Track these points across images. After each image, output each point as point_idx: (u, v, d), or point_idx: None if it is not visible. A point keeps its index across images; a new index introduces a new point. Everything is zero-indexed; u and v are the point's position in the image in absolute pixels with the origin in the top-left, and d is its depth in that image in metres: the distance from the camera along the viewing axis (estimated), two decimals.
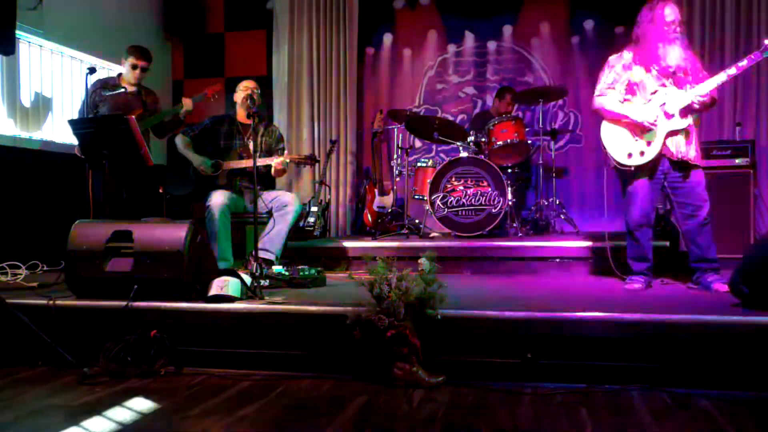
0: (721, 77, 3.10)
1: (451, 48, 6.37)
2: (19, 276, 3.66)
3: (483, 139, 5.02)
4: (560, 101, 5.93)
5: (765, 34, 4.86)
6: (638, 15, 3.32)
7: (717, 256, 3.30)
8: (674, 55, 3.19)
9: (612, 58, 3.38)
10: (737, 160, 4.35)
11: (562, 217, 5.22)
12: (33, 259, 4.00)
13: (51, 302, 2.84)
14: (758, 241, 3.13)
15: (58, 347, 2.69)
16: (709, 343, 2.36)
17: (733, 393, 2.24)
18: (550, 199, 5.23)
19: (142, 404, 2.21)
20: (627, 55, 3.33)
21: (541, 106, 5.26)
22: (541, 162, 5.34)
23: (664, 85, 3.23)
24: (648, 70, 3.26)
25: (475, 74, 6.32)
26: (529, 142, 5.10)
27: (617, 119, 3.32)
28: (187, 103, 4.40)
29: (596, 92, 3.39)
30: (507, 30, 6.22)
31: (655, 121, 3.19)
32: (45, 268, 4.04)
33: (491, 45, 6.27)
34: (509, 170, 5.08)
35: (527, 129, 5.12)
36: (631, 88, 3.30)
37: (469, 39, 6.32)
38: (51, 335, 2.73)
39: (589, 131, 6.06)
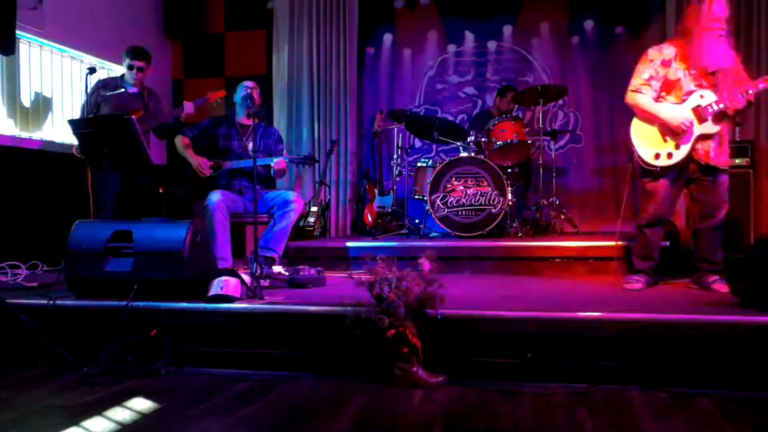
0: (761, 85, 3.02)
1: (451, 48, 6.37)
2: (19, 276, 3.66)
3: (483, 139, 5.02)
4: (560, 101, 5.93)
5: (765, 36, 4.85)
6: (686, 8, 3.23)
7: (721, 259, 3.28)
8: (717, 53, 3.08)
9: (651, 52, 3.25)
10: (737, 160, 4.35)
11: (562, 217, 5.22)
12: (33, 259, 4.00)
13: (51, 302, 2.84)
14: (758, 241, 3.12)
15: (58, 347, 2.69)
16: (709, 343, 2.36)
17: (733, 393, 2.24)
18: (550, 199, 5.23)
19: (142, 404, 2.21)
20: (668, 50, 3.22)
21: (541, 106, 5.26)
22: (541, 162, 5.34)
23: (701, 85, 3.14)
24: (687, 68, 3.16)
25: (475, 74, 6.32)
26: (529, 142, 5.10)
27: (649, 118, 3.22)
28: (188, 107, 4.39)
29: (631, 86, 3.27)
30: (507, 30, 6.22)
31: (690, 125, 3.11)
32: (45, 268, 4.04)
33: (491, 45, 6.27)
34: (509, 170, 5.08)
35: (527, 129, 5.12)
36: (667, 86, 3.21)
37: (469, 39, 6.32)
38: (51, 335, 2.73)
39: (589, 131, 6.07)
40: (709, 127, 3.12)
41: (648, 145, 3.23)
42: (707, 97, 3.11)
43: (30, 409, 2.17)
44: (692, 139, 3.14)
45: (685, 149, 3.15)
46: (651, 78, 3.21)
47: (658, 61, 3.22)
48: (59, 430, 1.96)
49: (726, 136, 3.22)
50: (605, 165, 6.01)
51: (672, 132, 3.16)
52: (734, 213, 4.24)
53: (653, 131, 3.23)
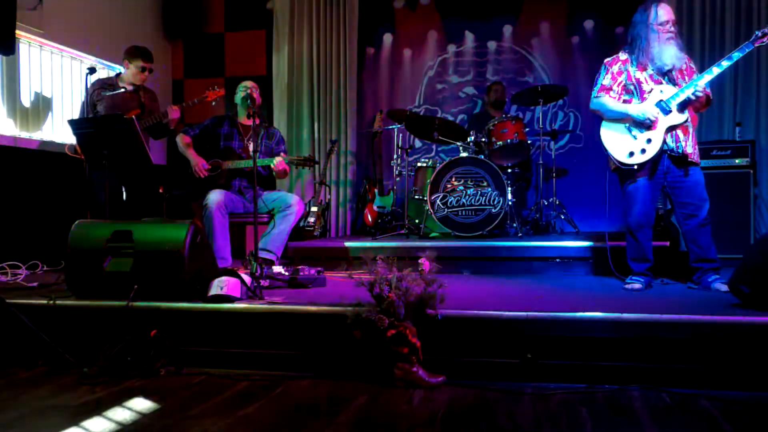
0: (715, 70, 3.14)
1: (451, 48, 6.37)
2: (19, 276, 3.66)
3: (483, 139, 5.02)
4: (560, 101, 5.93)
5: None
6: (633, 16, 3.35)
7: (717, 256, 3.30)
8: (669, 54, 3.22)
9: (608, 60, 3.41)
10: (737, 160, 4.35)
11: (562, 217, 5.22)
12: (33, 259, 4.00)
13: (51, 302, 2.84)
14: (758, 241, 3.12)
15: (58, 347, 2.69)
16: (709, 343, 2.36)
17: (733, 393, 2.24)
18: (550, 199, 5.23)
19: (142, 404, 2.21)
20: (623, 56, 3.36)
21: (541, 106, 5.26)
22: (541, 162, 5.34)
23: (659, 82, 3.25)
24: (643, 70, 3.28)
25: (475, 74, 6.33)
26: (529, 142, 5.10)
27: (616, 119, 3.33)
28: (173, 112, 4.36)
29: (593, 94, 3.42)
30: (507, 30, 6.23)
31: (656, 115, 3.20)
32: (45, 268, 4.04)
33: (491, 45, 6.28)
34: (509, 170, 5.08)
35: (527, 129, 5.12)
36: (628, 89, 3.33)
37: (469, 39, 6.32)
38: (51, 335, 2.73)
39: (589, 131, 6.07)
40: (676, 117, 3.21)
41: (620, 145, 3.32)
42: (667, 91, 3.22)
43: (30, 409, 2.17)
44: (661, 131, 3.22)
45: (656, 143, 3.22)
46: (612, 83, 3.35)
47: (615, 68, 3.36)
48: (59, 430, 1.97)
49: (692, 128, 3.29)
50: (605, 165, 5.99)
51: (640, 127, 3.25)
52: (734, 213, 4.26)
53: (622, 131, 3.33)
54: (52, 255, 4.06)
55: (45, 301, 2.85)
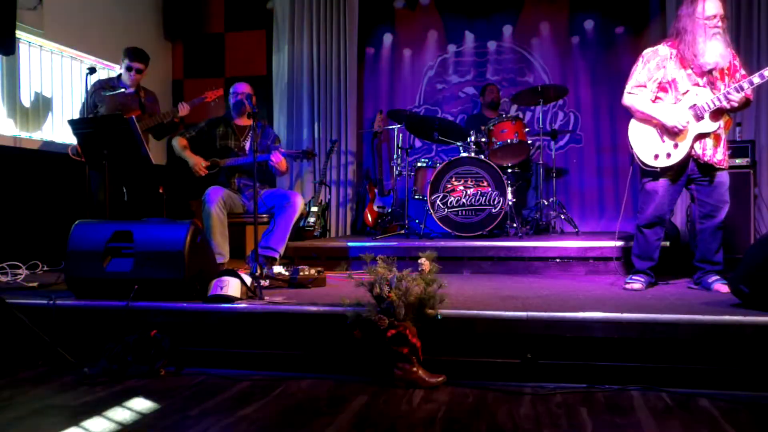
0: (756, 79, 3.00)
1: (451, 48, 6.37)
2: (19, 276, 3.66)
3: (483, 139, 5.02)
4: (560, 101, 5.93)
5: (765, 35, 4.86)
6: (679, 9, 3.22)
7: (722, 260, 3.28)
8: (714, 51, 3.07)
9: (647, 53, 3.27)
10: (737, 160, 4.35)
11: (562, 217, 5.22)
12: (33, 259, 4.00)
13: (51, 302, 2.84)
14: (758, 241, 3.12)
15: (58, 347, 2.69)
16: (709, 343, 2.36)
17: (733, 393, 2.24)
18: (550, 199, 5.23)
19: (142, 404, 2.21)
20: (663, 50, 3.23)
21: (541, 106, 5.26)
22: (541, 162, 5.34)
23: (697, 84, 3.14)
24: (683, 67, 3.16)
25: (475, 74, 6.32)
26: (529, 142, 5.10)
27: (647, 119, 3.24)
28: (183, 109, 4.40)
29: (627, 89, 3.29)
30: (507, 30, 6.23)
31: (686, 124, 3.12)
32: (45, 268, 4.04)
33: (491, 45, 6.27)
34: (509, 170, 5.08)
35: (527, 129, 5.12)
36: (663, 86, 3.22)
37: (469, 39, 6.32)
38: (51, 335, 2.73)
39: (589, 131, 6.07)
40: (707, 125, 3.12)
41: (647, 146, 3.24)
42: (703, 95, 3.11)
43: (30, 409, 2.17)
44: (690, 138, 3.14)
45: (683, 149, 3.15)
46: (647, 79, 3.23)
47: (653, 63, 3.23)
48: (59, 430, 1.96)
49: (723, 134, 3.21)
50: (605, 165, 6.02)
51: (669, 132, 3.17)
52: (734, 213, 4.25)
53: (651, 132, 3.24)
54: (52, 255, 4.06)
55: (45, 301, 2.85)
